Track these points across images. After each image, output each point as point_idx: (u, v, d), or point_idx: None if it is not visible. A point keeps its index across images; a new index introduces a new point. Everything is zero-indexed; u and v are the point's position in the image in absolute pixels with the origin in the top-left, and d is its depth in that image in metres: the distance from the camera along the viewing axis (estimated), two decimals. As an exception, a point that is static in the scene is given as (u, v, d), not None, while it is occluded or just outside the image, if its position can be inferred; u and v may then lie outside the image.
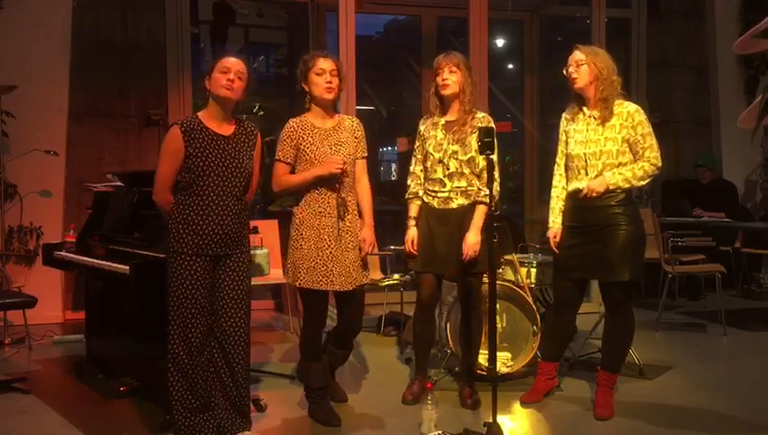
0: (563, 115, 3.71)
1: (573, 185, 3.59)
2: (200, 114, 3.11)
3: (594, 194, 3.46)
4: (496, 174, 3.54)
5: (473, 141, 3.58)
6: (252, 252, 3.93)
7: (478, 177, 3.64)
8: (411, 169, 3.81)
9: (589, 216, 3.52)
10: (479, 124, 3.61)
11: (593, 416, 3.57)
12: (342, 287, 3.39)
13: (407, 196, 3.80)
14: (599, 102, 3.51)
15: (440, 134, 3.68)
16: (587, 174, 3.52)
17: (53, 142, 5.77)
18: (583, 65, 3.50)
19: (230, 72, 3.04)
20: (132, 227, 3.92)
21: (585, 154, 3.52)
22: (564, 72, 3.58)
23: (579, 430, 3.48)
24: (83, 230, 4.48)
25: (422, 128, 3.78)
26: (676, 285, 6.13)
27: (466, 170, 3.63)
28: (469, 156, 3.62)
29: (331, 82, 3.39)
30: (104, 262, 3.82)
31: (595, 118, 3.53)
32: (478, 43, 6.15)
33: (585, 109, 3.57)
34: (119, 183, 4.47)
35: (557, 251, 3.67)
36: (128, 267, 3.43)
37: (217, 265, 3.11)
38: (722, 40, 7.48)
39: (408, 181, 3.80)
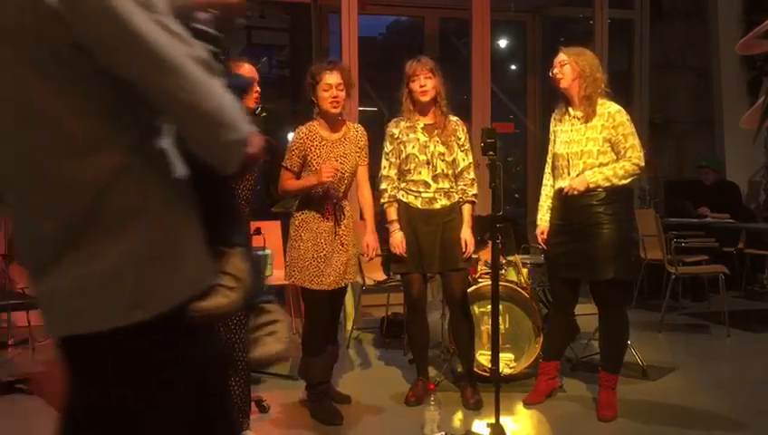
0: (553, 116, 3.79)
1: (558, 184, 3.65)
2: None
3: (574, 192, 3.51)
4: (474, 174, 3.78)
5: (455, 144, 3.72)
6: (255, 253, 3.95)
7: (457, 177, 3.74)
8: (385, 172, 3.80)
9: (572, 214, 3.57)
10: (456, 127, 3.76)
11: (596, 417, 3.57)
12: (330, 287, 3.52)
13: (385, 200, 3.79)
14: (583, 100, 3.55)
15: (422, 136, 3.71)
16: (569, 173, 3.57)
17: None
18: (566, 65, 3.56)
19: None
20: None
21: (568, 154, 3.58)
22: (550, 74, 3.64)
23: (581, 432, 3.47)
24: (86, 231, 4.48)
25: (396, 131, 3.78)
26: (679, 286, 6.11)
27: (450, 171, 3.72)
28: (452, 157, 3.72)
29: (336, 97, 3.51)
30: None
31: (579, 118, 3.58)
32: (481, 44, 6.16)
33: (571, 109, 3.63)
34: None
35: (546, 248, 3.75)
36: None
37: None
38: (724, 41, 7.47)
39: (384, 185, 3.79)
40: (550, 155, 3.77)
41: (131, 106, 1.17)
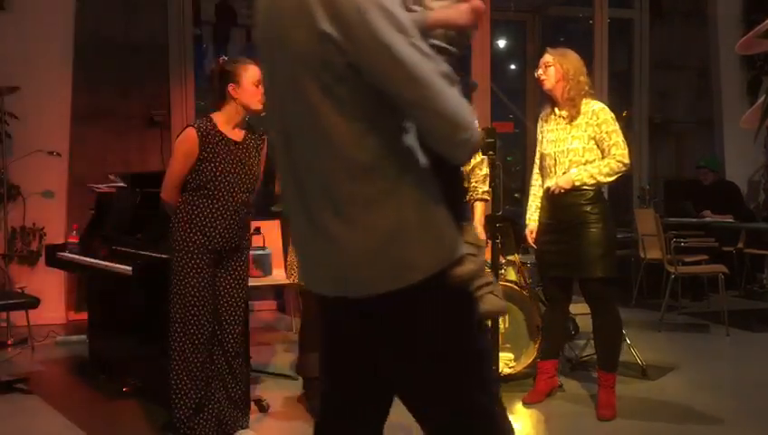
0: (540, 116, 3.84)
1: (546, 183, 3.70)
2: (215, 118, 3.11)
3: (560, 190, 3.55)
4: (487, 170, 3.74)
5: None
6: (254, 253, 3.97)
7: (469, 174, 3.74)
8: None
9: (561, 213, 3.61)
10: None
11: (596, 417, 3.57)
12: None
13: None
14: (567, 102, 3.60)
15: None
16: (555, 172, 3.61)
17: (56, 143, 5.78)
18: (550, 67, 3.61)
19: (261, 84, 3.09)
20: (135, 227, 3.93)
21: (555, 153, 3.63)
22: (535, 75, 3.68)
23: (581, 431, 3.48)
24: (86, 231, 4.49)
25: None
26: (678, 285, 6.12)
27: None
28: None
29: None
30: (107, 263, 3.83)
31: (564, 117, 3.62)
32: (480, 43, 6.16)
33: (556, 109, 3.67)
34: (121, 184, 4.47)
35: (535, 246, 3.79)
36: (130, 268, 3.44)
37: (219, 264, 3.13)
38: (724, 40, 7.47)
39: None
40: (538, 155, 3.81)
41: (386, 111, 1.45)
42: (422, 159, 1.49)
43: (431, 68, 1.40)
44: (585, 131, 3.54)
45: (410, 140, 1.49)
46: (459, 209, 1.55)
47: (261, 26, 1.56)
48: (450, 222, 1.50)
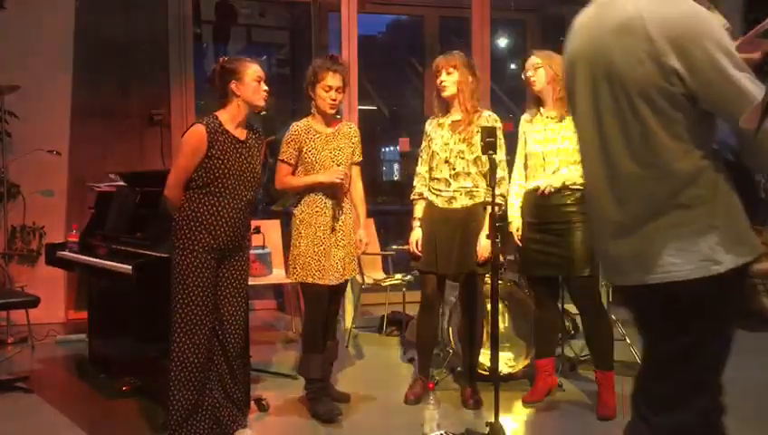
0: (522, 117, 3.85)
1: (532, 183, 3.70)
2: (220, 116, 3.11)
3: (551, 189, 3.57)
4: (505, 172, 3.73)
5: (479, 140, 3.62)
6: (254, 252, 3.99)
7: (485, 177, 3.68)
8: (417, 169, 3.86)
9: (546, 213, 3.62)
10: (485, 123, 3.65)
11: (596, 416, 3.57)
12: (331, 281, 3.57)
13: (412, 196, 3.85)
14: (557, 102, 3.63)
15: (446, 134, 3.71)
16: (544, 171, 3.63)
17: (56, 142, 5.77)
18: (540, 68, 3.65)
19: (262, 80, 3.13)
20: (134, 226, 3.93)
21: (543, 152, 3.65)
22: (523, 76, 3.72)
23: (581, 430, 3.48)
24: (86, 230, 4.49)
25: (428, 128, 3.83)
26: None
27: (473, 170, 3.68)
28: (476, 155, 3.67)
29: (335, 100, 3.58)
30: (106, 262, 3.83)
31: (552, 117, 3.66)
32: (480, 42, 6.16)
33: (542, 109, 3.71)
34: (121, 183, 4.48)
35: (521, 244, 3.78)
36: (130, 267, 3.45)
37: (221, 264, 3.13)
38: (724, 40, 7.46)
39: (414, 182, 3.86)
40: (521, 155, 3.81)
41: (706, 131, 1.71)
42: (725, 170, 1.73)
43: (759, 92, 1.62)
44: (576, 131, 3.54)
45: (717, 154, 1.73)
46: (756, 214, 1.77)
47: (584, 55, 1.83)
48: (749, 225, 1.75)
